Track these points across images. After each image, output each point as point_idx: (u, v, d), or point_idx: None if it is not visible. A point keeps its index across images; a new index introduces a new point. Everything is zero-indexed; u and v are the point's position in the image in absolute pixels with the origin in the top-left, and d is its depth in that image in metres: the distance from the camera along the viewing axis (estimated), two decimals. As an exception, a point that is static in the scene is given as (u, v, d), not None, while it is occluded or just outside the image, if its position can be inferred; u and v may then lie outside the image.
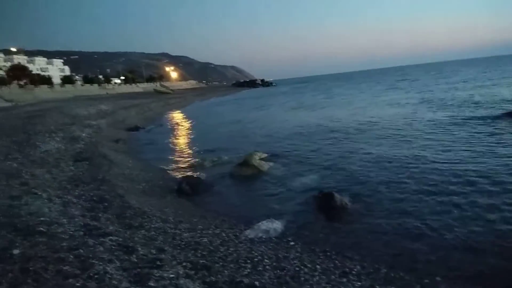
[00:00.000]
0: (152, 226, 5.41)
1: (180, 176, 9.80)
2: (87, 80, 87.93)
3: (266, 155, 11.49)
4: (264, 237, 5.40)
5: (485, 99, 21.47)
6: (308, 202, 7.12)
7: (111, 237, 4.54)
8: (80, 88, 70.68)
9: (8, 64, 76.46)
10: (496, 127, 12.61)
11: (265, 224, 5.73)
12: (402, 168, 8.77)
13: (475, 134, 11.83)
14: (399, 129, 14.26)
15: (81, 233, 4.70)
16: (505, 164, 8.29)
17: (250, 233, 5.46)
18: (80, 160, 10.36)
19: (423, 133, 13.04)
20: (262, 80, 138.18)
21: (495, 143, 10.42)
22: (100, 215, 5.76)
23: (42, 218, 5.04)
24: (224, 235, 5.36)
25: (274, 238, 5.38)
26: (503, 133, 11.49)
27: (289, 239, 5.38)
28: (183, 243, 4.85)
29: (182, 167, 11.24)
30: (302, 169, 9.83)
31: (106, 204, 6.45)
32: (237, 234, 5.43)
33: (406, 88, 41.57)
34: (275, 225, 5.74)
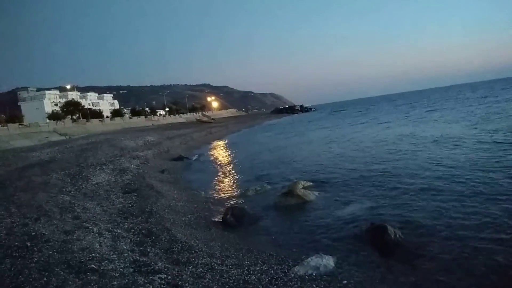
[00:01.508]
0: (200, 262, 5.33)
1: (224, 206, 9.75)
2: (135, 113, 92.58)
3: (309, 183, 11.25)
4: (314, 274, 5.13)
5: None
6: (358, 235, 6.75)
7: (160, 275, 4.52)
8: (128, 120, 74.35)
9: (63, 100, 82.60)
10: None
11: (314, 260, 5.45)
12: (459, 198, 8.11)
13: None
14: (453, 153, 13.41)
15: (131, 269, 4.72)
16: None
17: (299, 270, 5.21)
18: (128, 192, 10.66)
19: (479, 156, 12.17)
20: (301, 106, 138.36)
21: None
22: (148, 249, 5.80)
23: (93, 254, 5.13)
24: (272, 272, 5.16)
25: (325, 276, 5.09)
26: None
27: (341, 277, 5.06)
28: (231, 281, 4.71)
29: (225, 197, 11.23)
30: (348, 197, 9.45)
31: (154, 237, 6.50)
32: (286, 271, 5.20)
33: (451, 108, 39.71)
34: (325, 261, 5.44)
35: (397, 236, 6.27)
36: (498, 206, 7.24)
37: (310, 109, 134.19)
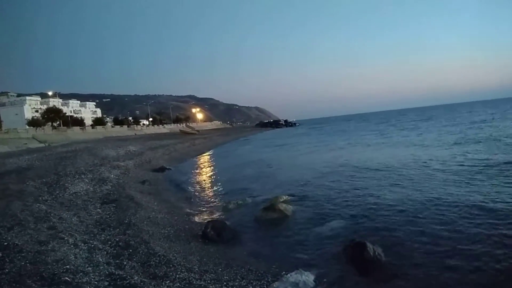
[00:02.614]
0: (177, 276, 5.24)
1: (205, 220, 9.67)
2: (117, 122, 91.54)
3: (291, 198, 11.30)
4: (293, 291, 5.12)
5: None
6: (338, 251, 6.77)
7: (135, 290, 4.41)
8: (110, 129, 73.43)
9: (44, 106, 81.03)
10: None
11: (294, 276, 5.44)
12: (438, 216, 8.24)
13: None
14: (434, 172, 13.65)
15: (106, 283, 4.61)
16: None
17: (278, 286, 5.19)
18: (107, 203, 10.45)
19: (460, 177, 12.41)
20: (286, 121, 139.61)
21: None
22: (125, 262, 5.67)
23: (67, 266, 5.00)
24: (251, 287, 5.12)
25: (304, 293, 5.08)
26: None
27: (320, 294, 5.07)
28: (209, 297, 4.65)
29: (206, 210, 11.14)
30: (329, 213, 9.48)
31: (131, 250, 6.37)
32: (265, 286, 5.17)
33: (434, 128, 40.76)
34: (305, 278, 5.44)
35: (376, 253, 6.32)
36: (476, 225, 7.38)
37: (295, 123, 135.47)
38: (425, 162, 16.13)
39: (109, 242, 6.77)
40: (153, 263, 5.77)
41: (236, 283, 5.26)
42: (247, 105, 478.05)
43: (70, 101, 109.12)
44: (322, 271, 5.86)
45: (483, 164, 14.06)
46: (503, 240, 6.49)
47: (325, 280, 5.54)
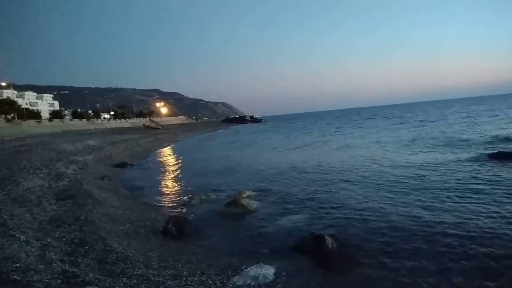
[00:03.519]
0: (135, 273, 5.13)
1: (166, 215, 9.52)
2: (76, 115, 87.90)
3: (254, 193, 11.40)
4: (252, 284, 5.15)
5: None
6: (298, 245, 6.90)
7: (89, 287, 4.28)
8: (68, 123, 70.40)
9: (-3, 98, 76.30)
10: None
11: (254, 270, 5.49)
12: (393, 211, 8.63)
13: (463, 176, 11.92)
14: (391, 169, 14.24)
15: (59, 281, 4.43)
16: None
17: (238, 280, 5.21)
18: (63, 199, 10.03)
19: (414, 174, 13.04)
20: (252, 117, 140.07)
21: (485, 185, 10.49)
22: (80, 260, 5.48)
23: (17, 264, 4.76)
24: (210, 282, 5.11)
25: (263, 286, 5.13)
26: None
27: (279, 286, 5.14)
28: (167, 293, 4.60)
29: (168, 206, 10.99)
30: (291, 208, 9.68)
31: (87, 247, 6.16)
32: (224, 281, 5.17)
33: (393, 126, 42.46)
34: (264, 271, 5.50)
35: (334, 246, 6.53)
36: (429, 220, 7.77)
37: (261, 120, 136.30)
38: (376, 160, 16.77)
39: (64, 239, 6.52)
40: (110, 260, 5.62)
41: (196, 279, 5.23)
42: (213, 101, 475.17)
43: (26, 92, 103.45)
44: (281, 264, 5.95)
45: (427, 162, 14.90)
46: (450, 231, 6.92)
47: (284, 272, 5.62)
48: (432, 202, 8.99)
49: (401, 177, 12.29)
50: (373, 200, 9.67)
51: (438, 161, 14.89)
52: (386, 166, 14.84)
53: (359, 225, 7.71)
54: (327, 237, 6.58)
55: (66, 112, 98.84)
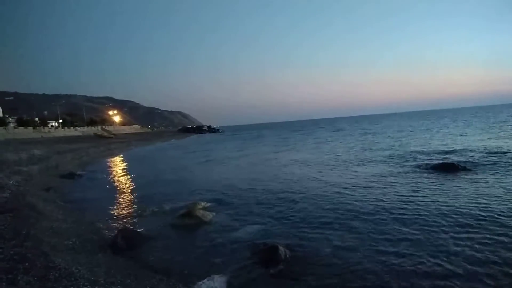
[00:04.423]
0: (79, 290, 4.88)
1: (116, 228, 9.15)
2: (22, 123, 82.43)
3: (209, 204, 11.28)
4: (204, 297, 5.09)
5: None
6: (251, 255, 6.93)
7: (27, 307, 4.00)
8: (12, 131, 65.75)
9: None
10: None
11: (206, 283, 5.43)
12: (344, 219, 8.99)
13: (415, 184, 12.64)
14: (346, 177, 14.83)
15: (-7, 302, 4.11)
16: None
17: (189, 294, 5.12)
18: (3, 212, 9.32)
19: (360, 186, 13.65)
20: (209, 127, 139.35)
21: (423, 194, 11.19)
22: (19, 278, 5.11)
23: None
24: (161, 297, 4.98)
25: (215, 298, 5.09)
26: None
27: (230, 299, 5.12)
28: (113, 309, 4.40)
29: (119, 218, 10.56)
30: (244, 218, 9.71)
31: (28, 264, 5.75)
32: (175, 296, 5.07)
33: (343, 137, 44.08)
34: (216, 284, 5.45)
35: (287, 255, 6.63)
36: (380, 228, 8.14)
37: (218, 130, 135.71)
38: (323, 172, 17.34)
39: (2, 256, 6.06)
40: (52, 277, 5.28)
41: (145, 294, 5.07)
42: (170, 110, 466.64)
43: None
44: (235, 275, 5.93)
45: (385, 174, 15.70)
46: (393, 237, 7.32)
47: (236, 284, 5.61)
48: (377, 212, 9.43)
49: (348, 188, 12.77)
50: (326, 209, 9.97)
51: (383, 172, 15.61)
52: (333, 177, 15.37)
53: (310, 235, 7.90)
54: (280, 247, 6.67)
55: (10, 119, 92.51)
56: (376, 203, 10.26)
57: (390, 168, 16.46)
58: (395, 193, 11.34)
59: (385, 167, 17.05)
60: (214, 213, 10.26)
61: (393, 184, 12.83)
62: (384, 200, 10.57)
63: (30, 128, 73.93)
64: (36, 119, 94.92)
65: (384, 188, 12.22)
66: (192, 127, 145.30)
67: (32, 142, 42.72)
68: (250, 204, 11.36)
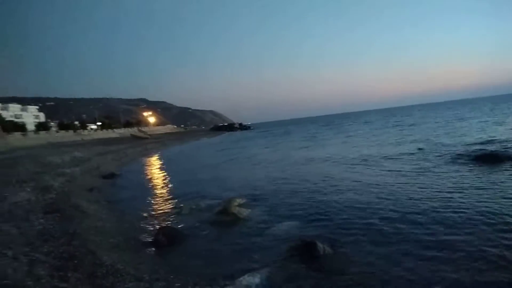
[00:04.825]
0: (125, 286, 5.09)
1: (156, 226, 9.45)
2: (62, 127, 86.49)
3: (244, 201, 11.36)
4: (245, 293, 5.16)
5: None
6: (290, 251, 6.90)
7: (80, 302, 4.23)
8: (54, 134, 69.23)
9: (-20, 111, 74.94)
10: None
11: (246, 279, 5.49)
12: (384, 213, 8.77)
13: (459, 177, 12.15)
14: (382, 172, 14.48)
15: (48, 297, 4.37)
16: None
17: (231, 290, 5.21)
18: (50, 212, 9.87)
19: (402, 180, 13.28)
20: (240, 124, 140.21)
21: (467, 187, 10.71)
22: (69, 275, 5.41)
23: (5, 281, 4.68)
24: (203, 293, 5.10)
25: (256, 294, 5.14)
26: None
27: (272, 295, 5.15)
28: (159, 305, 4.56)
29: (158, 216, 10.87)
30: (282, 215, 9.68)
31: (76, 261, 6.08)
32: (217, 291, 5.17)
33: (375, 130, 43.02)
34: (257, 280, 5.50)
35: (326, 251, 6.58)
36: (419, 223, 7.91)
37: (249, 127, 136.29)
38: (363, 166, 16.96)
39: (52, 254, 6.42)
40: (100, 273, 5.55)
41: (188, 290, 5.21)
42: (201, 109, 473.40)
43: (10, 105, 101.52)
44: (274, 271, 5.95)
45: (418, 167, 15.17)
46: (450, 234, 7.03)
47: (277, 280, 5.64)
48: (422, 206, 9.08)
49: (384, 183, 12.41)
50: (363, 205, 9.74)
51: (420, 166, 15.09)
52: (368, 172, 15.04)
53: (349, 232, 7.75)
54: (318, 243, 6.62)
55: (52, 123, 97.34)
56: (416, 199, 9.82)
57: (428, 161, 15.88)
58: (436, 189, 10.80)
59: (422, 160, 16.46)
60: (249, 210, 10.34)
61: (433, 178, 12.31)
62: (425, 196, 10.11)
63: (71, 131, 77.47)
64: (76, 122, 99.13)
65: (424, 182, 11.74)
66: (223, 125, 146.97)
67: (73, 144, 44.82)
68: (284, 200, 11.34)
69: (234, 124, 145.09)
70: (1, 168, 17.78)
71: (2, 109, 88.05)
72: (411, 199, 9.84)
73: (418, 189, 10.89)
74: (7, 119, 73.17)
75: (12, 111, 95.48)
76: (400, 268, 5.77)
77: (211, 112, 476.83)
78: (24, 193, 11.96)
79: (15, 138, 55.47)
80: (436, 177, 12.48)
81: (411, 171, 13.99)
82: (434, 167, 14.39)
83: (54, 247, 6.87)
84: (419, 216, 8.34)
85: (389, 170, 14.76)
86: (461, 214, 8.08)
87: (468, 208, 8.49)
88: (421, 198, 9.88)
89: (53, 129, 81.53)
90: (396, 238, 7.09)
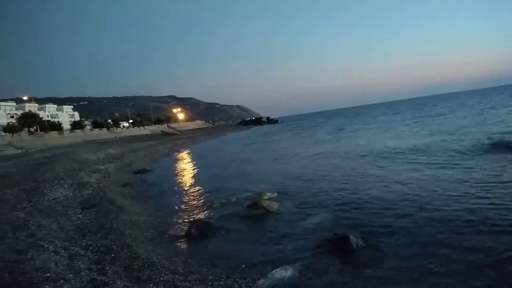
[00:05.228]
0: (161, 279, 5.19)
1: (188, 220, 9.59)
2: (96, 125, 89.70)
3: (274, 194, 11.32)
4: (278, 287, 5.13)
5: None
6: (321, 245, 6.82)
7: (118, 294, 4.34)
8: (89, 133, 71.90)
9: (20, 112, 78.78)
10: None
11: (278, 272, 5.47)
12: (419, 207, 8.45)
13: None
14: (414, 162, 14.03)
15: (88, 289, 4.52)
16: None
17: (263, 283, 5.20)
18: (87, 208, 10.25)
19: (434, 164, 12.83)
20: (268, 118, 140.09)
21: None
22: (107, 267, 5.58)
23: (47, 274, 4.87)
24: (236, 286, 5.12)
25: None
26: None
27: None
28: (194, 297, 4.62)
29: (190, 210, 11.04)
30: (312, 207, 9.59)
31: (113, 255, 6.27)
32: (250, 285, 5.17)
33: (409, 120, 41.76)
34: (289, 273, 5.47)
35: (359, 244, 6.45)
36: (455, 213, 7.63)
37: (277, 121, 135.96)
38: (394, 159, 16.42)
39: (91, 248, 6.65)
40: (136, 266, 5.69)
41: (222, 282, 5.25)
42: (229, 104, 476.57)
43: (47, 105, 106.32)
44: (306, 264, 5.90)
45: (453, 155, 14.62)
46: (487, 231, 6.68)
47: (309, 273, 5.58)
48: (457, 199, 8.68)
49: (420, 176, 11.88)
50: (395, 198, 9.43)
51: (460, 157, 14.47)
52: (401, 164, 14.51)
53: (383, 225, 7.53)
54: (351, 237, 6.50)
55: (86, 122, 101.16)
56: (452, 192, 9.34)
57: (467, 152, 15.13)
58: (477, 181, 10.10)
59: (460, 152, 15.61)
60: (279, 203, 10.29)
61: (473, 170, 11.63)
62: (462, 190, 9.54)
63: (104, 129, 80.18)
64: (109, 120, 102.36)
65: (463, 174, 11.16)
66: (251, 120, 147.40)
67: (107, 142, 46.32)
68: (314, 193, 11.19)
69: (261, 118, 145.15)
70: (40, 166, 18.60)
71: (39, 110, 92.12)
72: (447, 193, 9.35)
73: (455, 183, 10.31)
74: (44, 119, 76.47)
75: (48, 111, 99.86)
76: (436, 263, 5.53)
77: (238, 106, 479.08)
78: (62, 189, 12.46)
79: (52, 137, 58.06)
80: (473, 169, 11.79)
81: (447, 163, 13.36)
82: (471, 158, 13.73)
83: (92, 241, 7.11)
84: (458, 211, 7.88)
85: (422, 163, 14.17)
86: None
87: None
88: (458, 191, 9.37)
89: (88, 127, 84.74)
90: (431, 232, 6.80)
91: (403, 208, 8.49)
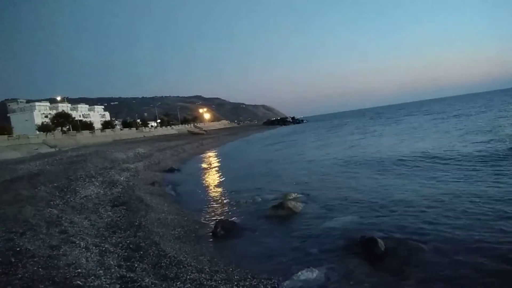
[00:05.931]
0: (188, 277, 5.26)
1: (214, 219, 9.68)
2: (126, 124, 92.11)
3: (299, 195, 11.27)
4: (304, 288, 5.10)
5: None
6: (347, 247, 6.72)
7: (146, 291, 4.43)
8: (119, 132, 73.87)
9: (54, 112, 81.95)
10: None
11: (304, 274, 5.42)
12: (448, 210, 8.18)
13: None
14: (446, 166, 13.52)
15: (117, 286, 4.63)
16: None
17: (289, 284, 5.18)
18: (117, 205, 10.52)
19: (462, 166, 12.37)
20: (293, 118, 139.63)
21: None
22: (136, 265, 5.70)
23: (79, 270, 5.04)
24: (262, 287, 5.11)
25: (315, 289, 5.06)
26: None
27: (331, 290, 5.04)
28: (219, 297, 4.65)
29: (216, 210, 11.14)
30: (337, 209, 9.46)
31: (142, 252, 6.41)
32: (276, 286, 5.16)
33: (440, 119, 40.44)
34: (315, 275, 5.42)
35: (387, 248, 6.30)
36: (489, 220, 7.32)
37: (302, 120, 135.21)
38: (429, 154, 15.95)
39: (120, 245, 6.82)
40: (164, 264, 5.79)
41: (247, 283, 5.26)
42: (254, 104, 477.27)
43: (79, 105, 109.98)
44: (332, 267, 5.83)
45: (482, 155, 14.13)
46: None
47: (335, 275, 5.50)
48: (493, 205, 8.32)
49: (449, 178, 11.54)
50: (425, 204, 9.05)
51: (487, 159, 13.88)
52: (430, 166, 14.06)
53: (411, 229, 7.31)
54: (379, 240, 6.37)
55: (116, 122, 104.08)
56: (488, 197, 8.93)
57: (496, 154, 14.53)
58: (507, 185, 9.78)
59: (495, 155, 14.97)
60: (304, 204, 10.23)
61: (503, 173, 11.21)
62: (501, 195, 9.05)
63: (133, 129, 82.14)
64: (138, 120, 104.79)
65: (490, 176, 10.80)
66: (276, 120, 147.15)
67: (136, 141, 47.44)
68: (340, 194, 11.04)
69: (286, 118, 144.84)
70: (72, 165, 19.27)
71: (71, 110, 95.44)
72: (481, 199, 8.89)
73: (490, 188, 9.79)
74: (76, 118, 79.22)
75: (80, 111, 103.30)
76: (467, 274, 5.28)
77: (264, 106, 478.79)
78: (93, 187, 12.87)
79: (84, 136, 60.04)
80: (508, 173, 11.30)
81: (477, 163, 13.00)
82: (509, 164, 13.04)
83: (122, 238, 7.30)
84: (493, 217, 7.50)
85: (452, 164, 13.73)
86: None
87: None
88: (494, 197, 8.89)
89: (118, 127, 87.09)
90: (461, 237, 6.56)
91: (432, 214, 8.15)
